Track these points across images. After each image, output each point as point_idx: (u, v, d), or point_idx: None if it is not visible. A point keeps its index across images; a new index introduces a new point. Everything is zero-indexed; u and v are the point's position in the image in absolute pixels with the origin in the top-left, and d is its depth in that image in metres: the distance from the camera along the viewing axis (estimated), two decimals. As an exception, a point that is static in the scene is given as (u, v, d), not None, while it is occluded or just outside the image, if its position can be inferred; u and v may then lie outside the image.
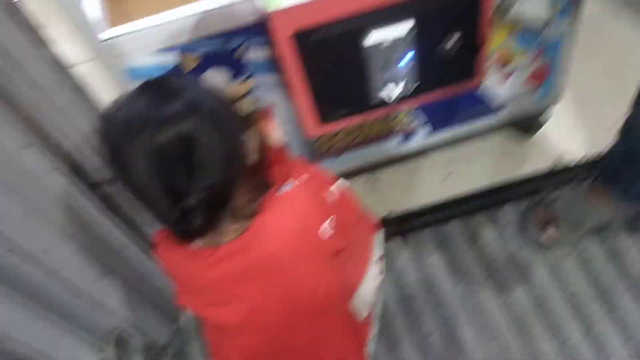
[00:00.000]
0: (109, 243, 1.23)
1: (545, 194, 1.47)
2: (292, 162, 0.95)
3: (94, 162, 1.08)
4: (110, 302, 1.23)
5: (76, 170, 1.07)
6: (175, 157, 0.71)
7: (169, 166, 0.71)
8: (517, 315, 1.36)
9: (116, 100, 0.76)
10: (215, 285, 0.85)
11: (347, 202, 0.96)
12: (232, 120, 0.77)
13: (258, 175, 0.82)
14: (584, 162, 1.55)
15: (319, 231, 0.85)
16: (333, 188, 0.95)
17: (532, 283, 1.40)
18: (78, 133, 1.03)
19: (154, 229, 1.29)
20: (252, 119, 0.82)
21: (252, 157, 0.80)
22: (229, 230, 0.81)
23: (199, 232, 0.77)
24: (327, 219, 0.86)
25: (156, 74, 1.09)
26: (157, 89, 0.75)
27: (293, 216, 0.84)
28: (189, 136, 0.71)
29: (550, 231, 1.43)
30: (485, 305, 1.39)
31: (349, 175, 1.60)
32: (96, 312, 1.23)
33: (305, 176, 0.89)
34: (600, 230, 1.44)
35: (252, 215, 0.81)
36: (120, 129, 0.72)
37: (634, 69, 1.13)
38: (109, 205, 1.17)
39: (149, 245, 1.32)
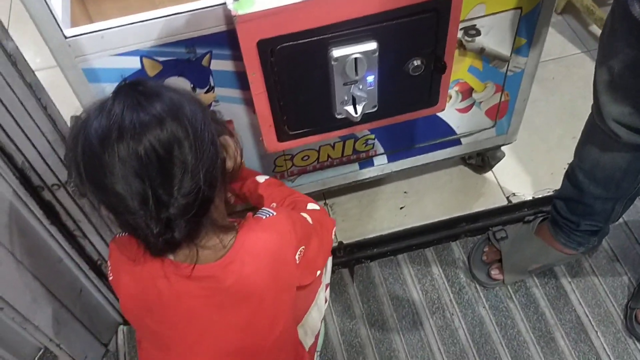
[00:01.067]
0: (43, 254, 1.14)
1: (493, 232, 1.48)
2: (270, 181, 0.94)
3: (38, 165, 1.00)
4: (37, 318, 1.14)
5: (19, 172, 0.99)
6: (155, 164, 0.67)
7: (150, 173, 0.66)
8: (457, 354, 1.35)
9: (90, 106, 0.72)
10: (176, 304, 0.79)
11: (320, 230, 0.94)
12: (210, 125, 0.73)
13: (230, 185, 0.79)
14: (532, 202, 1.58)
15: (293, 264, 0.83)
16: (307, 211, 0.93)
17: (474, 322, 1.40)
18: (22, 134, 0.96)
19: (94, 243, 1.22)
20: (225, 126, 0.79)
21: (229, 163, 0.77)
22: (208, 245, 0.77)
23: (178, 244, 0.72)
24: (298, 250, 0.84)
25: (116, 78, 1.05)
26: (133, 93, 0.70)
27: (272, 244, 0.81)
28: (169, 141, 0.67)
29: (495, 271, 1.44)
30: (427, 343, 1.37)
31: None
32: (20, 328, 1.13)
33: (285, 199, 0.88)
34: (544, 274, 1.46)
35: (230, 228, 0.78)
36: (96, 136, 0.68)
37: (587, 115, 1.17)
38: (48, 212, 1.08)
39: (86, 261, 1.24)
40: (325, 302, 1.14)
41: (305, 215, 0.91)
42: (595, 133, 1.14)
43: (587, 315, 1.40)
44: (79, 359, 1.29)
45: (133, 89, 0.72)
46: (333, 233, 1.00)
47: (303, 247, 0.85)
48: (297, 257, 0.84)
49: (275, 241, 0.81)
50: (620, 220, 1.52)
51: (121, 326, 1.42)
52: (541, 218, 1.44)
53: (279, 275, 0.82)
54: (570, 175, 1.27)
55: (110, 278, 0.86)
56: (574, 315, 1.40)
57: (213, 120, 0.76)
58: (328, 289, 1.13)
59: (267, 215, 0.83)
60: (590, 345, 1.36)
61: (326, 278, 1.09)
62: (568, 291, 1.44)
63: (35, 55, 1.51)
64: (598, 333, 1.37)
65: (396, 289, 1.46)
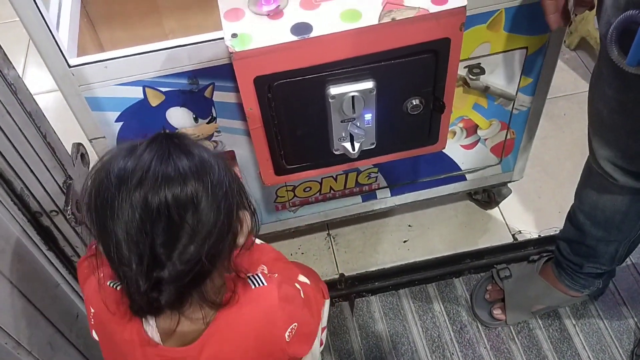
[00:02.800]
0: (40, 279, 1.14)
1: (497, 270, 1.45)
2: (258, 246, 0.90)
3: (37, 192, 1.01)
4: (31, 343, 1.13)
5: (17, 198, 1.00)
6: (164, 221, 0.64)
7: (155, 229, 0.64)
8: (459, 395, 1.33)
9: (123, 144, 0.70)
10: None
11: (310, 305, 0.89)
12: (233, 197, 0.70)
13: (234, 260, 0.75)
14: (538, 241, 1.55)
15: (281, 341, 0.79)
16: (299, 282, 0.89)
17: (475, 363, 1.37)
18: (22, 161, 0.97)
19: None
20: (248, 201, 0.76)
21: (240, 240, 0.73)
22: (192, 316, 0.73)
23: (162, 308, 0.68)
24: (289, 327, 0.80)
25: (118, 107, 1.07)
26: (167, 144, 0.68)
27: (255, 324, 0.77)
28: (186, 202, 0.64)
29: (498, 310, 1.41)
30: (429, 381, 1.35)
31: (307, 231, 1.57)
32: (14, 353, 1.13)
33: (275, 265, 0.84)
34: (548, 315, 1.42)
35: (218, 305, 0.74)
36: (117, 176, 0.66)
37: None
38: (46, 238, 1.09)
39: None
40: (321, 345, 1.12)
41: (298, 286, 0.86)
42: (592, 175, 1.12)
43: (591, 360, 1.36)
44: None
45: (168, 140, 0.69)
46: (322, 311, 0.95)
47: (295, 324, 0.80)
48: (287, 335, 0.79)
49: (260, 319, 0.77)
50: (629, 261, 1.49)
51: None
52: (546, 258, 1.41)
53: (264, 353, 0.79)
54: (571, 216, 1.25)
55: (92, 323, 0.84)
56: (578, 358, 1.36)
57: (239, 192, 0.72)
58: (325, 331, 1.10)
59: (257, 285, 0.79)
60: (594, 392, 1.32)
61: (323, 322, 1.06)
62: (572, 334, 1.40)
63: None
64: (602, 379, 1.33)
65: (396, 324, 1.44)
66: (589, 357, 1.37)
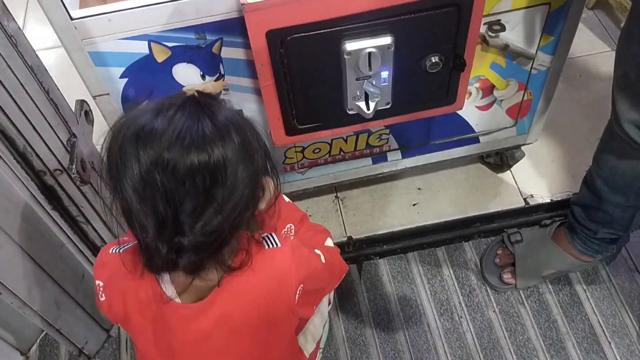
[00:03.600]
0: (45, 239, 1.12)
1: (508, 234, 1.43)
2: (282, 205, 0.87)
3: (41, 150, 0.98)
4: (36, 303, 1.12)
5: (20, 157, 0.97)
6: (191, 188, 0.61)
7: (181, 195, 0.61)
8: (463, 359, 1.32)
9: (149, 105, 0.67)
10: (162, 332, 0.76)
11: (330, 270, 0.88)
12: (260, 163, 0.67)
13: (256, 225, 0.73)
14: (551, 205, 1.52)
15: (290, 302, 0.78)
16: (324, 247, 0.87)
17: (482, 327, 1.36)
18: (24, 118, 0.93)
19: (97, 229, 1.20)
20: (273, 166, 0.73)
21: (262, 206, 0.71)
22: (206, 277, 0.72)
23: (177, 266, 0.66)
24: (298, 288, 0.78)
25: (122, 62, 1.02)
26: (199, 108, 0.65)
27: (263, 285, 0.75)
28: (215, 169, 0.61)
29: (508, 275, 1.40)
30: (433, 345, 1.34)
31: (315, 193, 1.54)
32: (21, 313, 1.12)
33: (292, 230, 0.82)
34: (558, 280, 1.41)
35: (232, 269, 0.72)
36: (145, 132, 0.62)
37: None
38: (50, 197, 1.06)
39: (88, 247, 1.22)
40: (329, 304, 1.11)
41: (318, 252, 0.84)
42: (613, 139, 1.08)
43: (600, 325, 1.35)
44: (80, 344, 1.29)
45: (200, 104, 0.65)
46: (341, 279, 0.94)
47: (302, 285, 0.78)
48: (296, 295, 0.77)
49: (271, 281, 0.76)
50: (642, 228, 1.46)
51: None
52: (558, 223, 1.39)
53: (272, 314, 0.77)
54: (588, 181, 1.22)
55: (102, 299, 0.81)
56: (587, 324, 1.35)
57: (264, 158, 0.69)
58: (333, 290, 1.09)
59: (271, 245, 0.77)
60: (603, 356, 1.31)
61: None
62: (582, 299, 1.39)
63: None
64: (611, 344, 1.32)
65: (404, 288, 1.43)
66: (598, 321, 1.35)
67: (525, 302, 1.39)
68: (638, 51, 0.91)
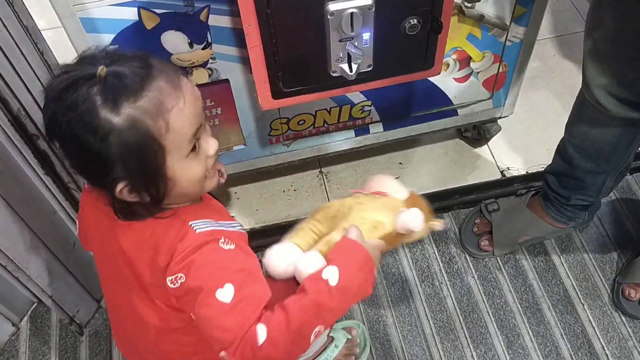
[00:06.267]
0: (37, 204, 1.15)
1: (485, 204, 1.49)
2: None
3: (35, 113, 1.01)
4: (30, 268, 1.15)
5: (14, 119, 0.99)
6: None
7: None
8: (444, 322, 1.37)
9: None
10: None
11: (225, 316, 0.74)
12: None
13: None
14: (526, 177, 1.59)
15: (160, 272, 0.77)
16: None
17: (462, 292, 1.41)
18: (19, 79, 0.96)
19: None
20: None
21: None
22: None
23: None
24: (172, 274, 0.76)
25: (113, 29, 1.05)
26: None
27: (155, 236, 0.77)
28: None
29: (485, 242, 1.45)
30: (415, 310, 1.39)
31: (300, 168, 1.59)
32: (12, 280, 1.14)
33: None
34: (534, 247, 1.47)
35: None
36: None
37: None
38: (43, 163, 1.09)
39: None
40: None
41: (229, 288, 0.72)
42: (584, 107, 1.14)
43: (574, 289, 1.41)
44: (71, 313, 1.31)
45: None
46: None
47: (182, 275, 0.74)
48: (168, 279, 0.75)
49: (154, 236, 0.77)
50: (612, 196, 1.53)
51: (114, 283, 1.44)
52: (533, 192, 1.45)
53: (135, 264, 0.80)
54: (561, 149, 1.28)
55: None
56: (562, 288, 1.41)
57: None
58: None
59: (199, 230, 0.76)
60: (577, 317, 1.37)
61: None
62: (557, 264, 1.45)
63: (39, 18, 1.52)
64: (585, 306, 1.39)
65: (386, 257, 1.48)
66: (572, 285, 1.42)
67: (502, 268, 1.45)
68: (606, 18, 0.96)
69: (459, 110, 1.45)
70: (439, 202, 1.55)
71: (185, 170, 0.74)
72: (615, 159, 1.21)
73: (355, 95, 1.32)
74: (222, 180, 0.86)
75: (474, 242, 1.47)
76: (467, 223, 1.50)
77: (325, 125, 1.39)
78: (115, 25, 1.05)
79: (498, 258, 1.46)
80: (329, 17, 0.92)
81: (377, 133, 1.46)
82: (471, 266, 1.46)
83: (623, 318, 1.36)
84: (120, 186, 0.72)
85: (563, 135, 1.27)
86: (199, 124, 0.74)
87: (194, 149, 0.74)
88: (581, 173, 1.26)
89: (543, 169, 1.41)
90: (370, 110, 1.38)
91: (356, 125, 1.41)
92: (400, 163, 1.64)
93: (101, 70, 0.67)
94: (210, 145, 0.77)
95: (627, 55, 0.99)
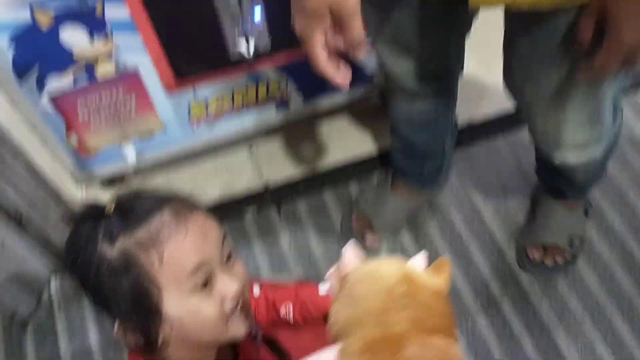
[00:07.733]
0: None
1: (355, 199, 1.53)
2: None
3: None
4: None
5: None
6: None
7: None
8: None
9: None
10: None
11: None
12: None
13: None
14: (375, 158, 1.60)
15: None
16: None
17: (394, 249, 1.48)
18: None
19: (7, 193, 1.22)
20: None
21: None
22: None
23: None
24: None
25: (8, 33, 1.04)
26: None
27: None
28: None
29: (370, 237, 1.48)
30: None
31: (227, 145, 1.59)
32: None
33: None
34: (411, 221, 1.52)
35: None
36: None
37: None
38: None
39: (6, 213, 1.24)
40: None
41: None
42: (392, 90, 1.21)
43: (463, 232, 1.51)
44: (12, 307, 1.32)
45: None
46: None
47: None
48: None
49: None
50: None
51: (53, 275, 1.45)
52: (391, 172, 1.50)
53: None
54: (394, 129, 1.35)
55: None
56: (457, 235, 1.50)
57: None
58: None
59: None
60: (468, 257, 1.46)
61: None
62: (434, 232, 1.52)
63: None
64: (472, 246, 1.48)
65: (322, 222, 1.53)
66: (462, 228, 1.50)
67: (394, 252, 1.48)
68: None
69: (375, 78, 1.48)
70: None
71: (191, 310, 0.65)
72: (442, 125, 1.30)
73: (271, 71, 1.34)
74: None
75: (361, 240, 1.47)
76: (347, 223, 1.51)
77: (245, 104, 1.40)
78: (9, 29, 1.04)
79: (388, 244, 1.49)
80: (217, -2, 0.92)
81: (298, 107, 1.48)
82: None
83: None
84: (116, 325, 0.68)
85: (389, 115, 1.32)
86: (204, 259, 0.65)
87: (205, 285, 0.66)
88: (419, 143, 1.33)
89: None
90: (287, 84, 1.40)
91: (276, 100, 1.43)
92: (325, 132, 1.65)
93: (110, 206, 0.66)
94: (227, 284, 0.66)
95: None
